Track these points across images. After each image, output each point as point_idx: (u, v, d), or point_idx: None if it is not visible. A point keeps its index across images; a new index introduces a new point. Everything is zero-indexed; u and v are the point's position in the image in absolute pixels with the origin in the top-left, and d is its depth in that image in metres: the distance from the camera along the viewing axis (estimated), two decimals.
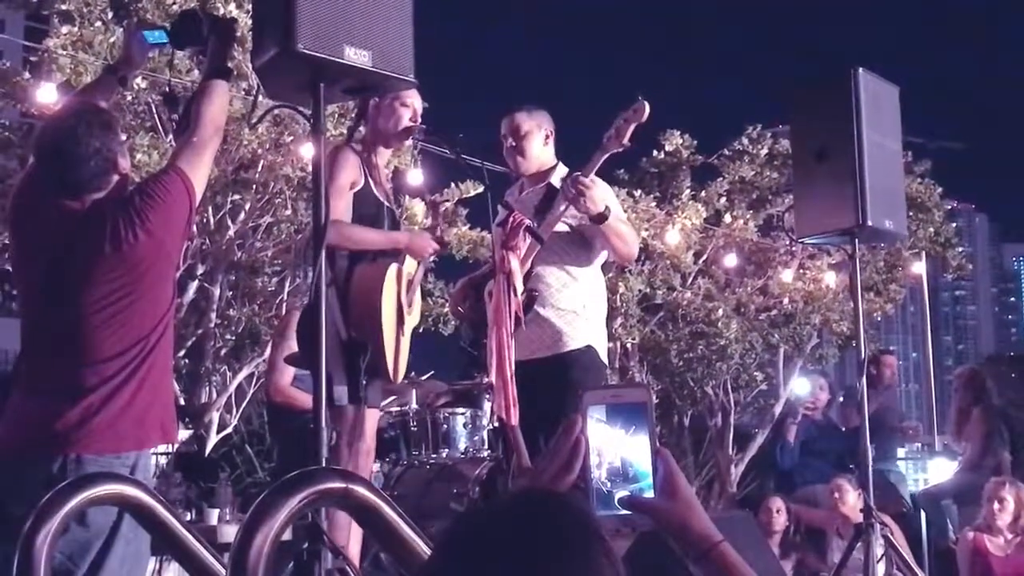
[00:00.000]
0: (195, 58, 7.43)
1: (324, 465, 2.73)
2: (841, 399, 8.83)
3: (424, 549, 2.04)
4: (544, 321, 4.49)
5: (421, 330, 9.01)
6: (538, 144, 4.64)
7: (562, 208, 4.36)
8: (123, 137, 3.25)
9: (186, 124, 3.23)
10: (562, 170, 4.65)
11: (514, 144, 4.63)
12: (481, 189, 6.27)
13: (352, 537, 3.96)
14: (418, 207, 8.10)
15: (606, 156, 4.29)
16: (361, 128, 4.45)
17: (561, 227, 4.47)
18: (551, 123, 4.68)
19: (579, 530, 1.25)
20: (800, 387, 8.26)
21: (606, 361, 4.77)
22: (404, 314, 4.27)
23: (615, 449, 1.49)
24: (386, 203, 4.32)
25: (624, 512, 1.47)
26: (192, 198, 3.10)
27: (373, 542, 3.39)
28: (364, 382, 4.02)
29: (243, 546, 1.91)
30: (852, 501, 6.34)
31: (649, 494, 1.47)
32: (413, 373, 6.09)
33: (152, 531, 2.63)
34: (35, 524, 2.31)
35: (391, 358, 4.13)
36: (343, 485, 2.06)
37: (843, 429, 8.08)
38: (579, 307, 4.53)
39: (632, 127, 4.22)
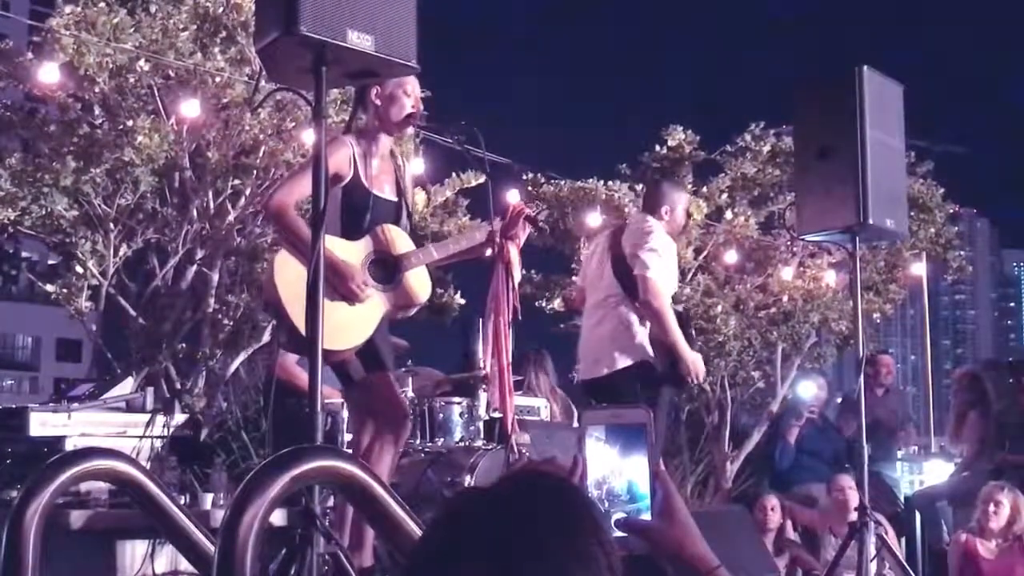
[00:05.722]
0: (198, 41, 7.42)
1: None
2: (839, 400, 8.80)
3: (415, 529, 2.03)
4: None
5: (422, 320, 8.99)
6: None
7: None
8: None
9: None
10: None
11: None
12: (483, 179, 6.25)
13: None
14: (419, 197, 8.08)
15: None
16: (360, 116, 4.38)
17: None
18: (664, 201, 5.60)
19: (571, 511, 1.24)
20: (804, 390, 8.16)
21: None
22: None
23: (613, 470, 1.47)
24: (383, 195, 4.24)
25: (620, 534, 1.45)
26: None
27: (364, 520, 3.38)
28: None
29: (233, 521, 1.90)
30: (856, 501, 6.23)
31: (646, 516, 1.46)
32: (410, 362, 6.09)
33: (142, 506, 2.61)
34: (24, 499, 2.29)
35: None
36: (333, 464, 2.04)
37: (840, 431, 8.06)
38: None
39: None
